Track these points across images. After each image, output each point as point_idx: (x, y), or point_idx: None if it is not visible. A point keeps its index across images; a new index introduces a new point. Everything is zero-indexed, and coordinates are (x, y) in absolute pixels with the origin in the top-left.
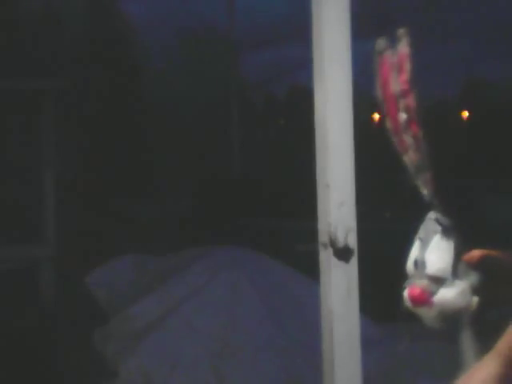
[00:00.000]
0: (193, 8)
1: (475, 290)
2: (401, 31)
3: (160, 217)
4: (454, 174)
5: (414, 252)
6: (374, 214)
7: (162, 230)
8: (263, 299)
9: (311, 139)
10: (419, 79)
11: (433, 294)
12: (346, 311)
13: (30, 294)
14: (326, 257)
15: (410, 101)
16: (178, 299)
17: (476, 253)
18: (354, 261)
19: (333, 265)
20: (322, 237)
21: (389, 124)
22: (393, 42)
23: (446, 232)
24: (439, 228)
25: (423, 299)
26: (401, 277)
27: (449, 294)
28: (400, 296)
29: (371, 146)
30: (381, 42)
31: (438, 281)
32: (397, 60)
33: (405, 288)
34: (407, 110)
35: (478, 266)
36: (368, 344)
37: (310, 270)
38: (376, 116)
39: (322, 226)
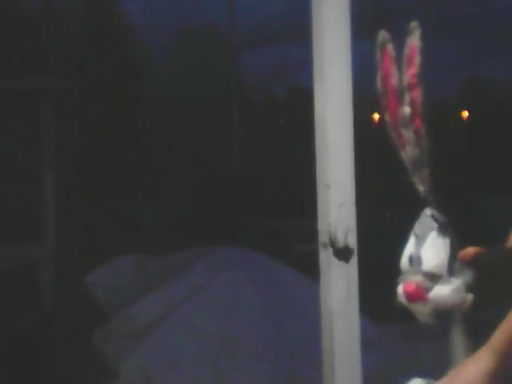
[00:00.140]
0: (193, 8)
1: (470, 288)
2: (413, 24)
3: (160, 216)
4: (454, 174)
5: (409, 248)
6: (373, 214)
7: (161, 230)
8: (263, 299)
9: (311, 139)
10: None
11: (428, 290)
12: (345, 311)
13: (30, 294)
14: (326, 257)
15: (417, 95)
16: (178, 299)
17: (470, 250)
18: (354, 261)
19: (333, 265)
20: (322, 237)
21: (387, 118)
22: (396, 35)
23: (443, 229)
24: (435, 225)
25: (418, 295)
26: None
27: (444, 291)
28: (394, 291)
29: (371, 145)
30: (383, 34)
31: (434, 277)
32: (407, 53)
33: (398, 283)
34: (412, 103)
35: (473, 263)
36: (368, 344)
37: (310, 269)
38: (376, 116)
39: (322, 225)
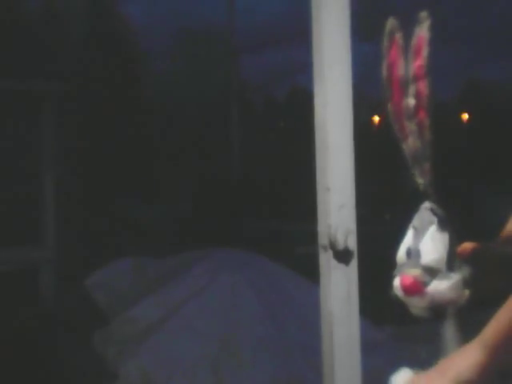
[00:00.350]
0: (193, 10)
1: (467, 283)
2: (423, 14)
3: (160, 218)
4: (454, 175)
5: (407, 240)
6: (374, 216)
7: (161, 232)
8: (263, 301)
9: (311, 141)
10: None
11: (426, 284)
12: (345, 314)
13: (30, 296)
14: (326, 259)
15: (423, 87)
16: (178, 301)
17: (468, 245)
18: (354, 263)
19: (333, 267)
20: (322, 239)
21: (390, 108)
22: (403, 24)
23: (442, 223)
24: (435, 219)
25: (416, 289)
26: None
27: (442, 286)
28: (389, 284)
29: (371, 148)
30: (392, 22)
31: (432, 271)
32: (415, 43)
33: (395, 276)
34: (418, 95)
35: (470, 258)
36: (368, 346)
37: (310, 272)
38: (376, 118)
39: (321, 228)
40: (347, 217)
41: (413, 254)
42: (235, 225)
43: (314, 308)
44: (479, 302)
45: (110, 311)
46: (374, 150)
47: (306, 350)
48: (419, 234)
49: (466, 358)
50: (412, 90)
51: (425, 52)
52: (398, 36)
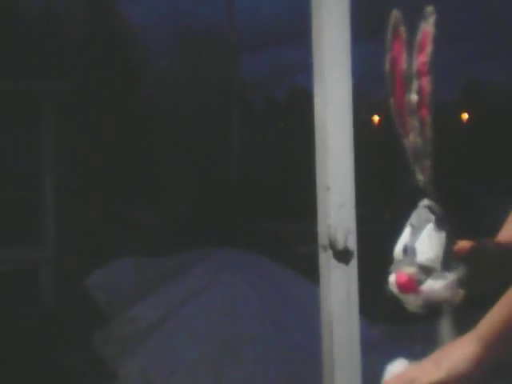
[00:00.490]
0: (193, 10)
1: (462, 283)
2: (429, 9)
3: (160, 218)
4: (454, 175)
5: (404, 238)
6: (373, 216)
7: (161, 232)
8: (263, 301)
9: (311, 141)
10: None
11: (420, 282)
12: (345, 313)
13: (30, 296)
14: (326, 259)
15: (426, 83)
16: (178, 301)
17: (465, 244)
18: (354, 263)
19: (332, 267)
20: (322, 239)
21: (393, 103)
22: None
23: (440, 222)
24: (433, 217)
25: (410, 287)
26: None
27: (436, 285)
28: (385, 280)
29: (371, 147)
30: (396, 15)
31: (427, 270)
32: (419, 38)
33: (391, 272)
34: (420, 92)
35: (468, 257)
36: (367, 345)
37: (310, 272)
38: (376, 118)
39: (321, 228)
40: (347, 216)
41: (409, 251)
42: (235, 225)
43: (313, 308)
44: (477, 299)
45: (110, 311)
46: (373, 150)
47: (306, 350)
48: (416, 231)
49: (461, 350)
50: (415, 85)
51: (429, 48)
52: (402, 30)
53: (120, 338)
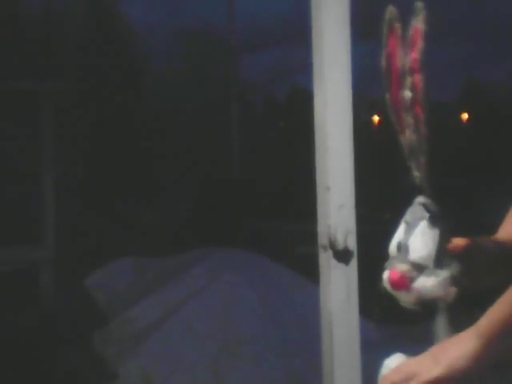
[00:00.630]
0: (193, 10)
1: (455, 281)
2: (419, 4)
3: (160, 218)
4: (454, 175)
5: (399, 234)
6: (373, 216)
7: (161, 232)
8: (263, 301)
9: (311, 141)
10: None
11: (412, 280)
12: (345, 313)
13: (30, 295)
14: (326, 259)
15: (417, 80)
16: (178, 301)
17: (460, 241)
18: (354, 263)
19: (332, 267)
20: (322, 239)
21: (389, 99)
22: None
23: (434, 220)
24: (426, 214)
25: (402, 284)
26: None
27: (428, 283)
28: (380, 277)
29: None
30: (392, 11)
31: (420, 268)
32: (410, 34)
33: (385, 269)
34: (413, 89)
35: (462, 254)
36: (367, 345)
37: (310, 272)
38: (376, 118)
39: (321, 228)
40: (347, 217)
41: (403, 248)
42: (235, 225)
43: (313, 308)
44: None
45: (110, 311)
46: (373, 150)
47: (306, 350)
48: (410, 228)
49: (460, 346)
50: (408, 82)
51: (420, 45)
52: (397, 26)
53: (120, 338)
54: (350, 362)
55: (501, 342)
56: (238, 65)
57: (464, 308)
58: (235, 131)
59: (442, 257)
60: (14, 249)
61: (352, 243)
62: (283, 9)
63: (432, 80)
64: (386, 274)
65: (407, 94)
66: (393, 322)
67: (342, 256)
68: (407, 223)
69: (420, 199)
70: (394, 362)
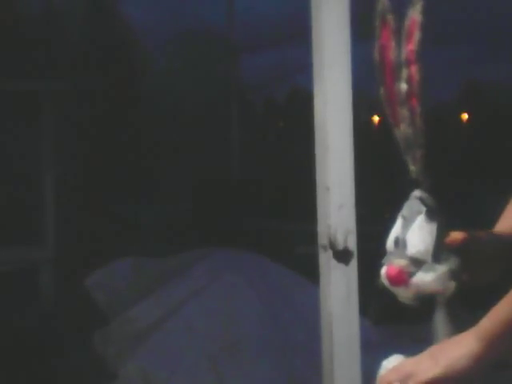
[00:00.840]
0: (193, 10)
1: (454, 275)
2: None
3: (160, 218)
4: (453, 175)
5: (396, 229)
6: (373, 216)
7: (161, 232)
8: (263, 301)
9: (311, 141)
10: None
11: (411, 275)
12: (345, 313)
13: (30, 295)
14: (326, 259)
15: (414, 72)
16: (178, 301)
17: (458, 235)
18: (354, 263)
19: (332, 267)
20: (322, 239)
21: (383, 93)
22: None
23: (431, 214)
24: (424, 209)
25: (401, 280)
26: None
27: (427, 278)
28: (378, 273)
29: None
30: (384, 2)
31: (418, 263)
32: (407, 25)
33: (383, 264)
34: (409, 81)
35: (460, 248)
36: (367, 346)
37: (310, 272)
38: (376, 118)
39: (321, 228)
40: (347, 217)
41: (400, 243)
42: (235, 225)
43: (313, 308)
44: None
45: (110, 311)
46: (373, 150)
47: (306, 350)
48: (407, 223)
49: (460, 347)
50: (404, 74)
51: (416, 36)
52: (390, 18)
53: (120, 338)
54: (349, 361)
55: (502, 344)
56: (238, 65)
57: (465, 308)
58: (235, 131)
59: (440, 251)
60: (14, 249)
61: (352, 243)
62: (283, 9)
63: (432, 80)
64: (383, 270)
65: (403, 86)
66: (393, 322)
67: (342, 256)
68: (404, 218)
69: (416, 193)
70: (391, 364)
